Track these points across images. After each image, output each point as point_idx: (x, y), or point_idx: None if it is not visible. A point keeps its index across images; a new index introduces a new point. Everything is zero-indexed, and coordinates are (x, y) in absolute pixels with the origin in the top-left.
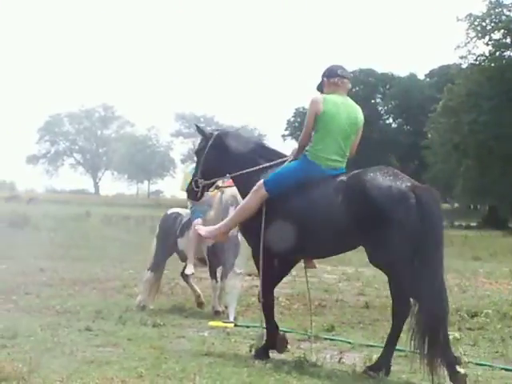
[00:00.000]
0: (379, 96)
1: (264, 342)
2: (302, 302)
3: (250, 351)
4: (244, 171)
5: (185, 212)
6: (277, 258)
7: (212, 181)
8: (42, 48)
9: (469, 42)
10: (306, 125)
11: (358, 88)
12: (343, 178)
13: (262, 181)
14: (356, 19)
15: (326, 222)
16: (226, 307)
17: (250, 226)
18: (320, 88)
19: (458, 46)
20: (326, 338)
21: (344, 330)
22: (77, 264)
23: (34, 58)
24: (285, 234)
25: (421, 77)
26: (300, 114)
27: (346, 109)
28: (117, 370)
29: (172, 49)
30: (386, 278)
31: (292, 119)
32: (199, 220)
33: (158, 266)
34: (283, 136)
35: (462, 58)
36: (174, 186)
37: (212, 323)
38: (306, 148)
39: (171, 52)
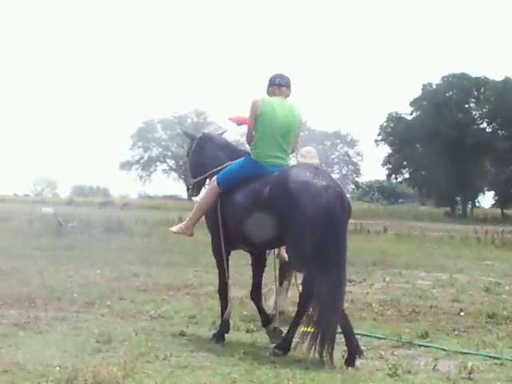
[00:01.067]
0: (473, 100)
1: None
2: (396, 308)
3: (343, 357)
4: (212, 171)
5: None
6: (228, 247)
7: (198, 179)
8: (135, 54)
9: None
10: (248, 126)
11: (451, 92)
12: (276, 173)
13: (215, 177)
14: (449, 23)
15: (255, 212)
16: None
17: (209, 217)
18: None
19: None
20: (420, 345)
21: (438, 336)
22: (170, 269)
23: (127, 65)
24: (230, 224)
25: None
26: (393, 118)
27: (283, 109)
28: (210, 376)
29: (262, 54)
30: (480, 284)
31: (385, 124)
32: None
33: None
34: (376, 141)
35: None
36: None
37: (304, 329)
38: (250, 147)
39: (262, 57)
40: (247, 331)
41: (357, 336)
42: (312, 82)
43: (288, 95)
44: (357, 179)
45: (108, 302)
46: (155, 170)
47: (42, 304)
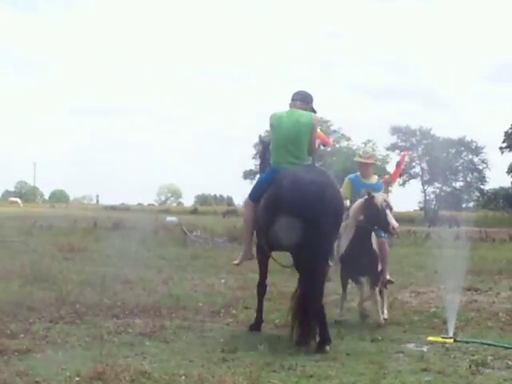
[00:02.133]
0: None
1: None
2: None
3: (470, 367)
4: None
5: None
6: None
7: None
8: (258, 62)
9: None
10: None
11: None
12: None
13: (247, 195)
14: None
15: (266, 212)
16: (445, 322)
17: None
18: None
19: None
20: None
21: None
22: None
23: (250, 73)
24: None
25: None
26: None
27: (290, 119)
28: None
29: (388, 63)
30: None
31: (510, 131)
32: None
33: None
34: (501, 148)
35: None
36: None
37: (431, 338)
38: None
39: (386, 66)
40: (372, 340)
41: (483, 345)
42: (436, 87)
43: (303, 108)
44: (482, 187)
45: (233, 311)
46: None
47: (167, 313)
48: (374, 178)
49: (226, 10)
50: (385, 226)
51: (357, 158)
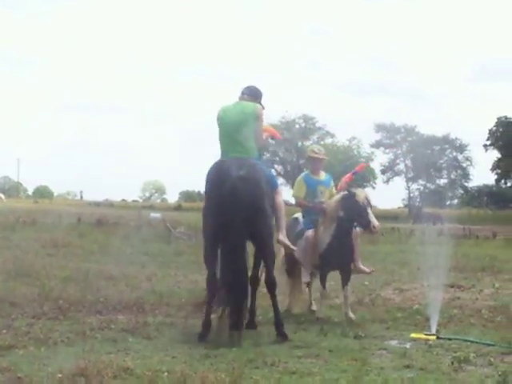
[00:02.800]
0: None
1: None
2: (506, 314)
3: (452, 364)
4: None
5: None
6: None
7: None
8: (241, 63)
9: None
10: None
11: None
12: None
13: None
14: None
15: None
16: (429, 319)
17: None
18: None
19: None
20: None
21: None
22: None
23: (233, 75)
24: None
25: None
26: (502, 123)
27: (235, 110)
28: (318, 382)
29: (373, 60)
30: None
31: (494, 129)
32: (310, 231)
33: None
34: (485, 146)
35: None
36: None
37: (414, 335)
38: None
39: (370, 64)
40: (355, 337)
41: (466, 342)
42: (419, 84)
43: (247, 99)
44: (465, 184)
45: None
46: None
47: (150, 309)
48: (323, 175)
49: (212, 9)
50: (366, 224)
51: (312, 154)
